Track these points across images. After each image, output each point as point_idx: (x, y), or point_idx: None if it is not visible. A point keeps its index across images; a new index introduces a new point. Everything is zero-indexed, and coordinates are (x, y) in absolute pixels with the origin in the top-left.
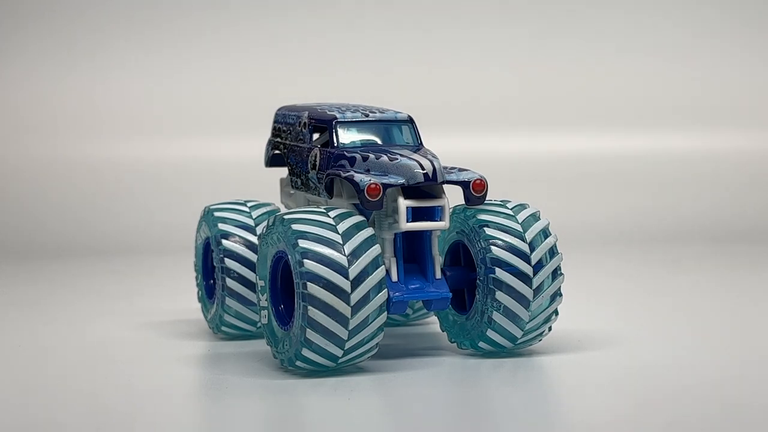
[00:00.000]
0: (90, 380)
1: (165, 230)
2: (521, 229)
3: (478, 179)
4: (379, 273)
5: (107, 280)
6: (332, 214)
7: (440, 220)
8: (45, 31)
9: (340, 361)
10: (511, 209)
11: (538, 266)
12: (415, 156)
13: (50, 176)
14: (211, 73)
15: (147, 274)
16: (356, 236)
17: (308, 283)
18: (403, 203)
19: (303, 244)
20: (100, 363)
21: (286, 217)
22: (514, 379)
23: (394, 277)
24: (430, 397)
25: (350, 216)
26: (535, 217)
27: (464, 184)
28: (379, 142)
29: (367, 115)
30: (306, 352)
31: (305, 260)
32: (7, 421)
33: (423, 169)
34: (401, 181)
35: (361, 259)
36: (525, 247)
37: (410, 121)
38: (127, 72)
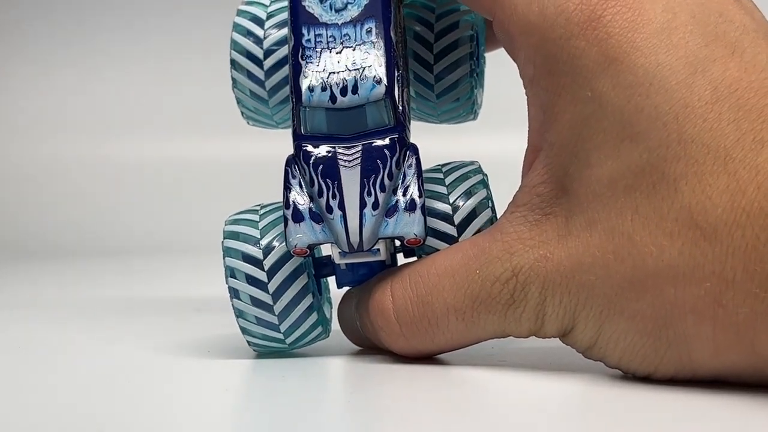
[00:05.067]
0: (89, 381)
1: (167, 231)
2: (446, 191)
3: (413, 238)
4: (295, 261)
5: (106, 280)
6: (262, 211)
7: (378, 255)
8: (50, 31)
9: (288, 341)
10: (444, 172)
11: (463, 225)
12: (351, 215)
13: (54, 176)
14: (216, 73)
15: (147, 274)
16: (273, 230)
17: (230, 278)
18: (335, 249)
19: (227, 243)
20: (99, 363)
21: (228, 218)
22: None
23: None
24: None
25: (277, 211)
26: (465, 176)
27: (400, 239)
28: (349, 129)
29: (334, 101)
30: (249, 338)
31: (226, 257)
32: (9, 422)
33: (349, 238)
34: (330, 240)
35: (274, 251)
36: (447, 209)
37: (385, 98)
38: (132, 72)
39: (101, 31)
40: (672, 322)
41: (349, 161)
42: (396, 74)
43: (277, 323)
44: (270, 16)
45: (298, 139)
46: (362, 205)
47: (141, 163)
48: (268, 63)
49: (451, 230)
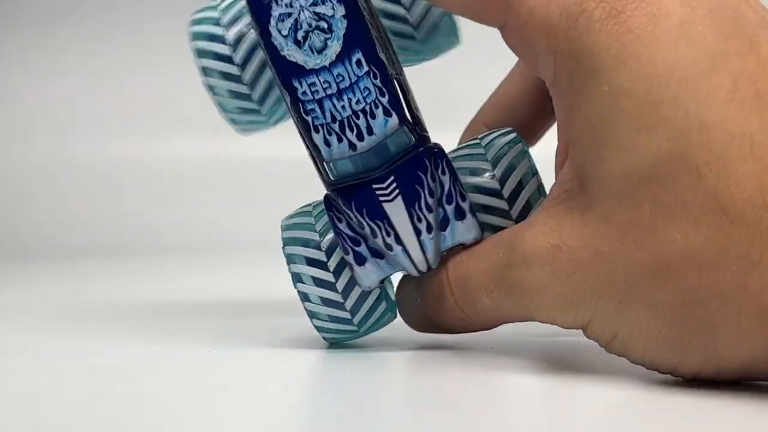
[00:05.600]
0: (86, 382)
1: (166, 231)
2: (491, 167)
3: (472, 242)
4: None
5: (105, 280)
6: (315, 212)
7: None
8: (50, 30)
9: (362, 330)
10: (484, 146)
11: (513, 197)
12: (411, 247)
13: (52, 177)
14: None
15: (146, 274)
16: (331, 230)
17: (298, 283)
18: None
19: (288, 250)
20: (97, 363)
21: (282, 224)
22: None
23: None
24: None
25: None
26: (506, 149)
27: (461, 245)
28: (374, 163)
29: (355, 148)
30: (324, 334)
31: (290, 264)
32: (10, 423)
33: (417, 267)
34: (398, 270)
35: (337, 251)
36: (495, 185)
37: (400, 126)
38: (133, 72)
39: (101, 31)
40: (696, 309)
41: (388, 195)
42: (399, 93)
43: (350, 317)
44: (227, 13)
45: (330, 186)
46: (417, 233)
47: (141, 163)
48: (239, 56)
49: (502, 204)
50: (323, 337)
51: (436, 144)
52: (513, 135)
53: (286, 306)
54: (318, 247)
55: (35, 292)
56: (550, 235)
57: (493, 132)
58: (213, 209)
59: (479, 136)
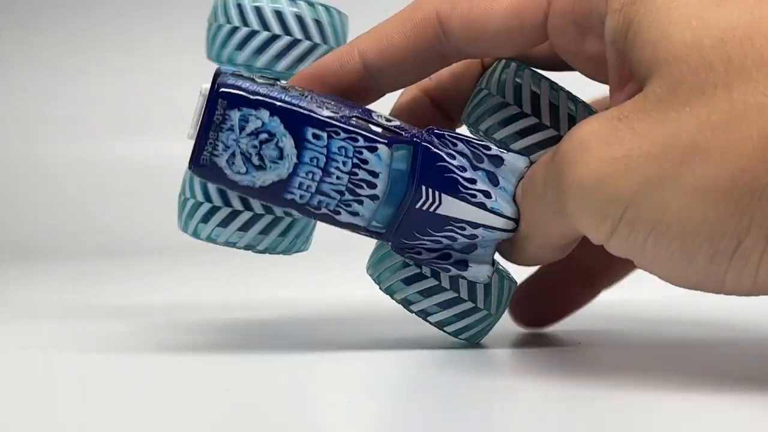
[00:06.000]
0: (85, 382)
1: (165, 231)
2: (501, 97)
3: (525, 166)
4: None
5: (105, 281)
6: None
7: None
8: (45, 31)
9: (493, 311)
10: (485, 86)
11: (536, 108)
12: (491, 221)
13: (50, 177)
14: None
15: (145, 274)
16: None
17: (411, 305)
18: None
19: (385, 285)
20: (97, 364)
21: (368, 266)
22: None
23: None
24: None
25: None
26: (505, 70)
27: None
28: (402, 187)
29: (376, 198)
30: (466, 335)
31: (395, 294)
32: (9, 423)
33: (505, 230)
34: (497, 241)
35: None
36: (513, 109)
37: (389, 146)
38: (131, 73)
39: (98, 31)
40: None
41: (434, 201)
42: (366, 123)
43: (474, 305)
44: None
45: (390, 239)
46: (482, 207)
47: (140, 163)
48: (236, 201)
49: (531, 120)
50: (463, 339)
51: (427, 129)
52: (503, 61)
53: (286, 307)
54: (405, 265)
55: (33, 293)
56: (610, 111)
57: (486, 72)
58: None
59: (478, 83)
